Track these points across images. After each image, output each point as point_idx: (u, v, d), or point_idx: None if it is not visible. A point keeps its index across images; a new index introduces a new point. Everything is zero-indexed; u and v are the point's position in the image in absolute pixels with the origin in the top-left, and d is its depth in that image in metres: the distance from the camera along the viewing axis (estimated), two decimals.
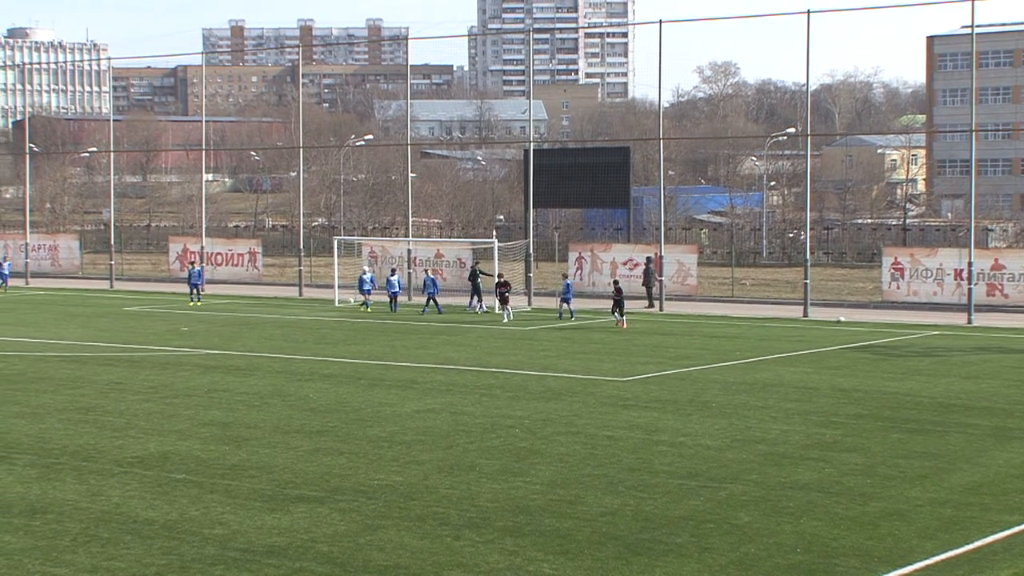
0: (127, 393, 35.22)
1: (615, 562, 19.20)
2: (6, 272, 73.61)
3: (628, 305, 60.79)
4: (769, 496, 23.09)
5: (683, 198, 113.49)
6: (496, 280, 57.06)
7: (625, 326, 51.51)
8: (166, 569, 18.94)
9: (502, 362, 41.58)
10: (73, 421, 30.93)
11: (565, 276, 59.64)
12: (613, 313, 52.33)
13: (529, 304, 61.81)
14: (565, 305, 55.40)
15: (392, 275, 60.07)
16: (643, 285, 62.05)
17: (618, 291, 52.68)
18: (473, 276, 60.10)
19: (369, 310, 58.84)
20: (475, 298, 59.12)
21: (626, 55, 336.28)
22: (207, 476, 24.83)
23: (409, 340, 48.25)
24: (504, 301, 55.52)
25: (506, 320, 54.35)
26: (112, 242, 80.00)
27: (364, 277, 60.13)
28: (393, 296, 59.18)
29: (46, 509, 22.36)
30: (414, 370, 39.76)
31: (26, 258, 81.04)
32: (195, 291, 63.00)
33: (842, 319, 55.19)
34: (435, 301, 58.24)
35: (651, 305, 60.87)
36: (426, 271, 62.48)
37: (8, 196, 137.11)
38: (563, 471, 25.15)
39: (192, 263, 64.62)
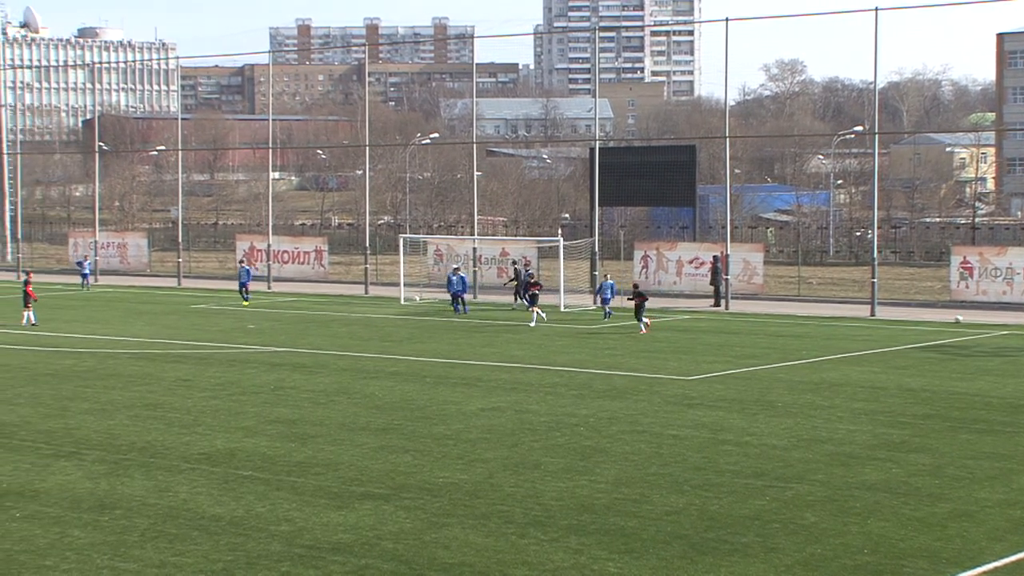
0: (194, 390, 35.48)
1: (680, 561, 19.15)
2: (87, 271, 73.63)
3: (694, 304, 60.77)
4: (836, 496, 22.96)
5: (749, 197, 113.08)
6: (527, 280, 56.04)
7: (644, 331, 49.04)
8: (232, 565, 19.06)
9: (567, 360, 41.56)
10: (141, 417, 31.19)
11: (607, 276, 58.45)
12: (637, 319, 49.67)
13: (594, 303, 61.68)
14: (605, 306, 54.41)
15: (454, 274, 59.85)
16: (711, 284, 61.87)
17: (639, 295, 50.20)
18: (518, 276, 60.40)
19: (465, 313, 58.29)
20: (518, 297, 59.51)
21: (692, 53, 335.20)
22: (273, 473, 24.98)
23: (474, 338, 48.31)
24: (533, 302, 53.38)
25: (533, 324, 52.05)
26: (180, 240, 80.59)
27: (452, 277, 59.60)
28: (455, 295, 58.79)
29: (115, 505, 22.56)
30: (479, 368, 39.81)
31: (95, 256, 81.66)
32: (243, 290, 62.94)
33: (960, 319, 54.12)
34: (461, 300, 57.91)
35: (717, 304, 60.65)
36: (456, 269, 61.71)
37: (78, 194, 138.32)
38: (628, 470, 25.11)
39: (240, 262, 64.71)
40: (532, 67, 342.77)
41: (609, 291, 54.45)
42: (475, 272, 67.11)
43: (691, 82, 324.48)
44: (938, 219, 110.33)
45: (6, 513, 22.06)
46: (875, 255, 59.94)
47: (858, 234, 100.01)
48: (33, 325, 51.74)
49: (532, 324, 51.90)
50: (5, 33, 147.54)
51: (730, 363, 41.03)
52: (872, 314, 57.25)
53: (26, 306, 52.39)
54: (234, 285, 71.94)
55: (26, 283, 53.69)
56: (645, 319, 49.42)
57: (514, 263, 66.04)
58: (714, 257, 62.49)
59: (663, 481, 24.14)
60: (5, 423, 30.48)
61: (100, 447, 27.52)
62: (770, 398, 33.81)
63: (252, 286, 64.96)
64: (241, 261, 65.15)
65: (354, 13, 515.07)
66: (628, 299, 50.40)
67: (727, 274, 61.28)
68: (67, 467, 25.56)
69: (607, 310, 54.37)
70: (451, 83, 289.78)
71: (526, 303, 57.15)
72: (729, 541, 20.17)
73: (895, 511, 21.94)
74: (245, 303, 61.88)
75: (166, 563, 19.18)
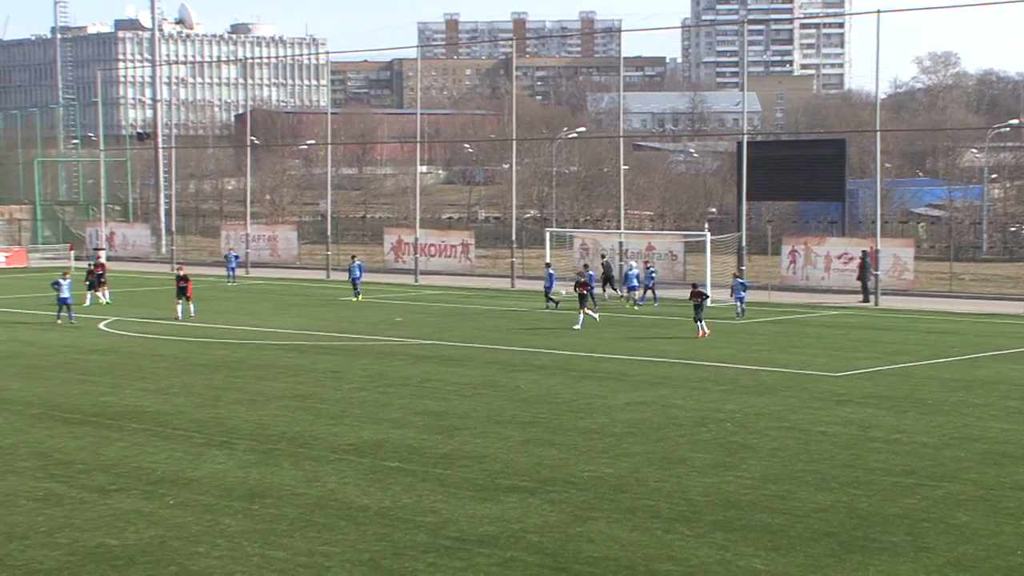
0: (343, 382, 35.87)
1: (827, 559, 18.96)
2: (233, 265, 74.07)
3: (843, 300, 60.03)
4: (988, 496, 22.56)
5: (900, 191, 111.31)
6: (576, 279, 52.98)
7: (703, 334, 45.93)
8: (379, 555, 19.24)
9: (714, 355, 41.32)
10: (291, 408, 31.61)
11: (736, 275, 57.22)
12: (696, 321, 46.58)
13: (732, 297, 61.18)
14: (738, 303, 52.98)
15: (585, 271, 59.47)
16: (858, 279, 61.14)
17: (698, 295, 47.02)
18: (607, 269, 60.34)
19: (637, 307, 57.69)
20: (607, 287, 60.33)
21: (842, 46, 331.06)
22: (420, 464, 25.16)
23: (620, 332, 48.20)
24: (583, 302, 50.11)
25: (578, 326, 48.90)
26: (329, 233, 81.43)
27: (631, 273, 59.11)
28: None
29: (264, 494, 22.89)
30: (625, 362, 39.75)
31: (246, 248, 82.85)
32: (355, 286, 62.75)
33: None
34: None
35: (866, 300, 59.94)
36: (586, 266, 61.27)
37: (230, 187, 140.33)
38: (775, 466, 24.92)
39: (353, 257, 64.97)
40: (679, 60, 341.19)
41: (741, 289, 53.50)
42: (620, 266, 66.93)
43: (841, 75, 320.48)
44: None
45: (160, 500, 22.51)
46: None
47: (1012, 229, 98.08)
48: (191, 316, 52.40)
49: (577, 327, 49.02)
50: (161, 30, 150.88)
51: (880, 359, 40.50)
52: None
53: (182, 298, 53.06)
54: (381, 278, 72.77)
55: (181, 277, 54.11)
56: (702, 323, 46.60)
57: (603, 256, 66.04)
58: (863, 252, 61.74)
59: (810, 478, 23.91)
60: (160, 412, 31.09)
61: (250, 437, 27.95)
62: (921, 395, 33.33)
63: (400, 279, 65.46)
64: (353, 256, 65.47)
65: (501, 7, 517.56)
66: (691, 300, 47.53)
67: (877, 269, 60.48)
68: (218, 456, 26.01)
69: (739, 308, 53.30)
70: (598, 77, 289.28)
71: (619, 294, 58.56)
72: (878, 540, 19.92)
73: None
74: (357, 298, 61.71)
75: (314, 552, 19.42)
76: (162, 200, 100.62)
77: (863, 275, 60.76)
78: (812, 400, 32.62)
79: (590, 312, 50.52)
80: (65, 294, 51.29)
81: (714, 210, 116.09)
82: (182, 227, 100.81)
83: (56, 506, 22.18)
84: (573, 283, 52.36)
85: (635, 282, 58.21)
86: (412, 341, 45.45)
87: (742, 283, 53.95)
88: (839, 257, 65.05)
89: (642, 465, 25.03)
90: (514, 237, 73.62)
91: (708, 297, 49.28)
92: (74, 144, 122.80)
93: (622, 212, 73.44)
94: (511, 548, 19.58)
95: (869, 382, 35.76)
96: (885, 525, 20.72)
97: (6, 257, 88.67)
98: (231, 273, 73.28)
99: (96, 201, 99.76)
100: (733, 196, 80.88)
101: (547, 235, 67.79)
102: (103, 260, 64.53)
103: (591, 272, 58.89)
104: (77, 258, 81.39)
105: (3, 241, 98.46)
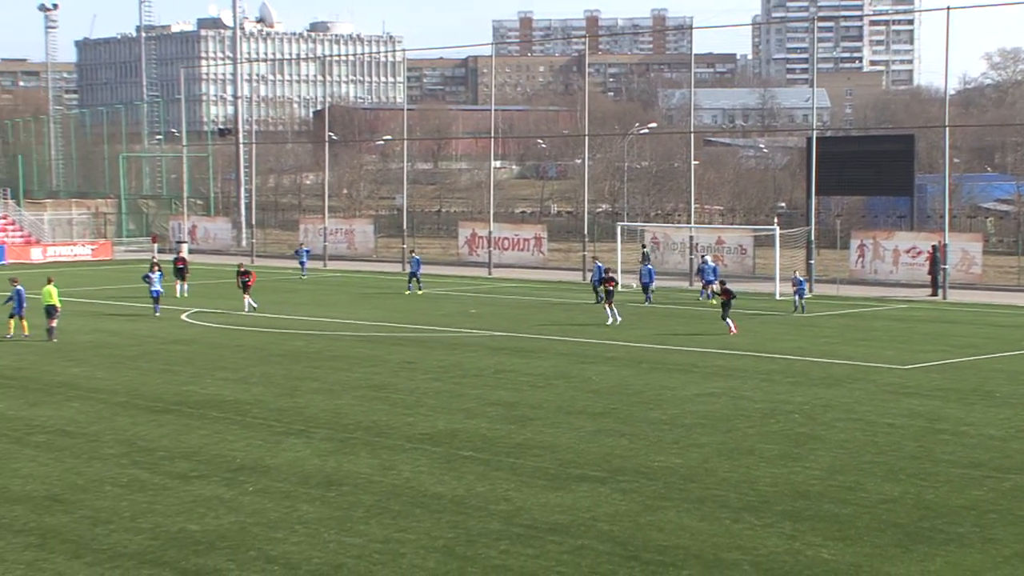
0: (417, 372, 36.36)
1: (895, 549, 19.22)
2: (304, 260, 73.69)
3: (911, 293, 59.92)
4: None
5: (968, 186, 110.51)
6: (603, 276, 52.03)
7: (734, 331, 45.05)
8: (453, 542, 19.69)
9: (783, 348, 41.51)
10: (367, 398, 32.14)
11: (796, 272, 57.04)
12: (723, 319, 45.62)
13: (810, 290, 61.18)
14: (797, 299, 52.77)
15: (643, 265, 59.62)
16: (929, 273, 61.05)
17: (725, 292, 46.05)
18: (644, 259, 60.33)
19: (713, 301, 57.36)
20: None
21: (911, 42, 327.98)
22: (493, 454, 25.60)
23: (691, 325, 48.42)
24: (609, 298, 49.47)
25: (610, 322, 48.24)
26: (405, 226, 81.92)
27: (705, 267, 58.94)
28: (644, 286, 57.98)
29: (341, 481, 23.41)
30: (695, 354, 40.00)
31: (324, 242, 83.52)
32: (413, 279, 62.31)
33: None
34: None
35: (935, 293, 59.84)
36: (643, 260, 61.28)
37: (308, 182, 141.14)
38: (843, 457, 25.17)
39: (412, 252, 65.09)
40: (750, 57, 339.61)
41: (801, 284, 53.47)
42: (691, 260, 67.09)
43: (910, 71, 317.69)
44: None
45: (239, 487, 23.09)
46: None
47: None
48: (253, 309, 52.86)
49: (609, 322, 48.40)
50: (242, 28, 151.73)
51: (947, 352, 40.56)
52: None
53: (247, 292, 53.60)
54: (456, 271, 73.25)
55: (242, 272, 54.73)
56: (730, 320, 45.67)
57: (643, 246, 66.03)
58: (933, 247, 61.64)
59: (878, 469, 24.15)
60: (240, 401, 31.74)
61: (328, 426, 28.49)
62: (988, 388, 33.41)
63: (474, 272, 65.67)
64: (412, 251, 65.68)
65: (575, 5, 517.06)
66: (717, 295, 46.96)
67: (945, 263, 60.35)
68: (296, 444, 26.56)
69: (801, 304, 53.01)
70: (669, 73, 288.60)
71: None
72: (945, 531, 20.16)
73: None
74: (418, 291, 61.62)
75: (390, 539, 19.90)
76: (242, 194, 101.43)
77: (934, 269, 60.67)
78: (880, 392, 32.80)
79: (611, 310, 49.35)
80: (156, 286, 52.18)
81: (783, 205, 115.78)
82: (261, 221, 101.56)
83: (140, 492, 22.81)
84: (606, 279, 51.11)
85: (712, 276, 57.88)
86: (485, 333, 45.88)
87: (800, 280, 54.03)
88: (907, 251, 64.96)
89: (711, 456, 25.37)
90: (586, 231, 73.86)
91: (734, 295, 47.05)
92: (158, 140, 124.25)
93: (692, 206, 73.50)
94: (582, 536, 19.98)
95: (937, 375, 35.87)
96: (952, 516, 20.95)
97: (92, 250, 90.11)
98: (302, 267, 73.00)
99: (178, 195, 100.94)
100: (802, 191, 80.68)
101: (618, 229, 67.89)
102: (184, 254, 65.33)
103: (649, 266, 59.14)
104: (160, 251, 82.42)
105: (89, 234, 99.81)
